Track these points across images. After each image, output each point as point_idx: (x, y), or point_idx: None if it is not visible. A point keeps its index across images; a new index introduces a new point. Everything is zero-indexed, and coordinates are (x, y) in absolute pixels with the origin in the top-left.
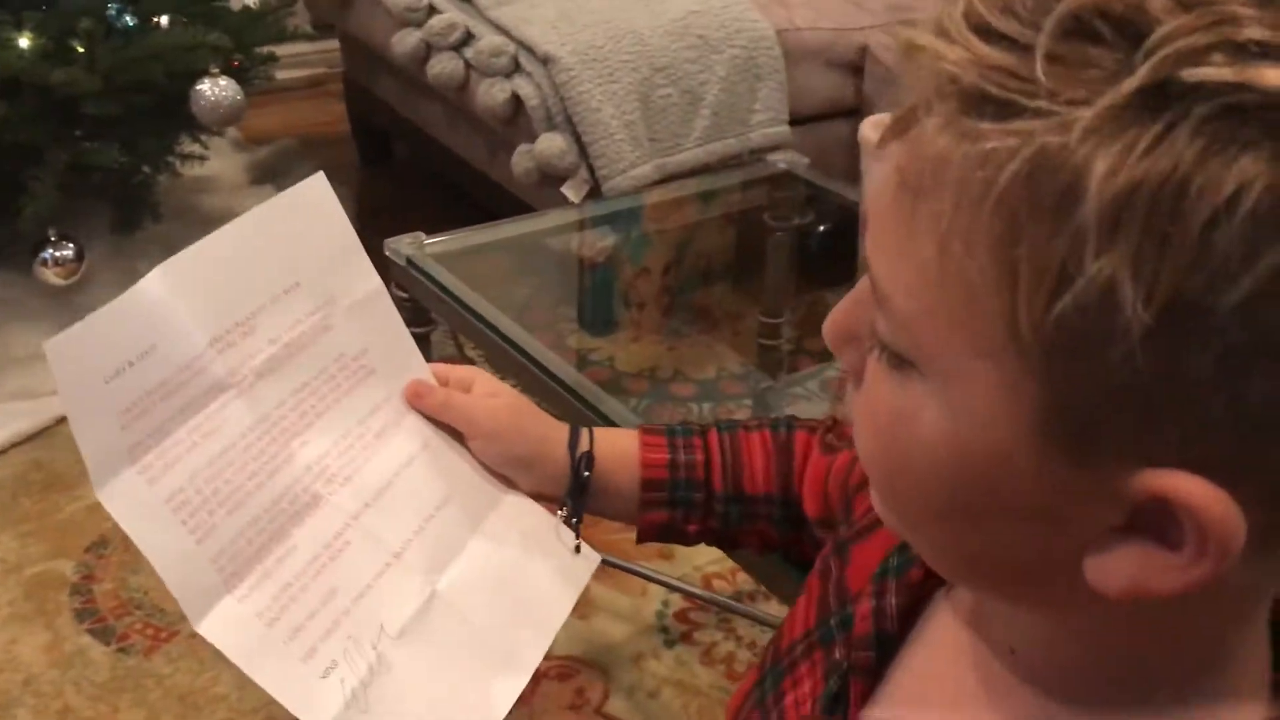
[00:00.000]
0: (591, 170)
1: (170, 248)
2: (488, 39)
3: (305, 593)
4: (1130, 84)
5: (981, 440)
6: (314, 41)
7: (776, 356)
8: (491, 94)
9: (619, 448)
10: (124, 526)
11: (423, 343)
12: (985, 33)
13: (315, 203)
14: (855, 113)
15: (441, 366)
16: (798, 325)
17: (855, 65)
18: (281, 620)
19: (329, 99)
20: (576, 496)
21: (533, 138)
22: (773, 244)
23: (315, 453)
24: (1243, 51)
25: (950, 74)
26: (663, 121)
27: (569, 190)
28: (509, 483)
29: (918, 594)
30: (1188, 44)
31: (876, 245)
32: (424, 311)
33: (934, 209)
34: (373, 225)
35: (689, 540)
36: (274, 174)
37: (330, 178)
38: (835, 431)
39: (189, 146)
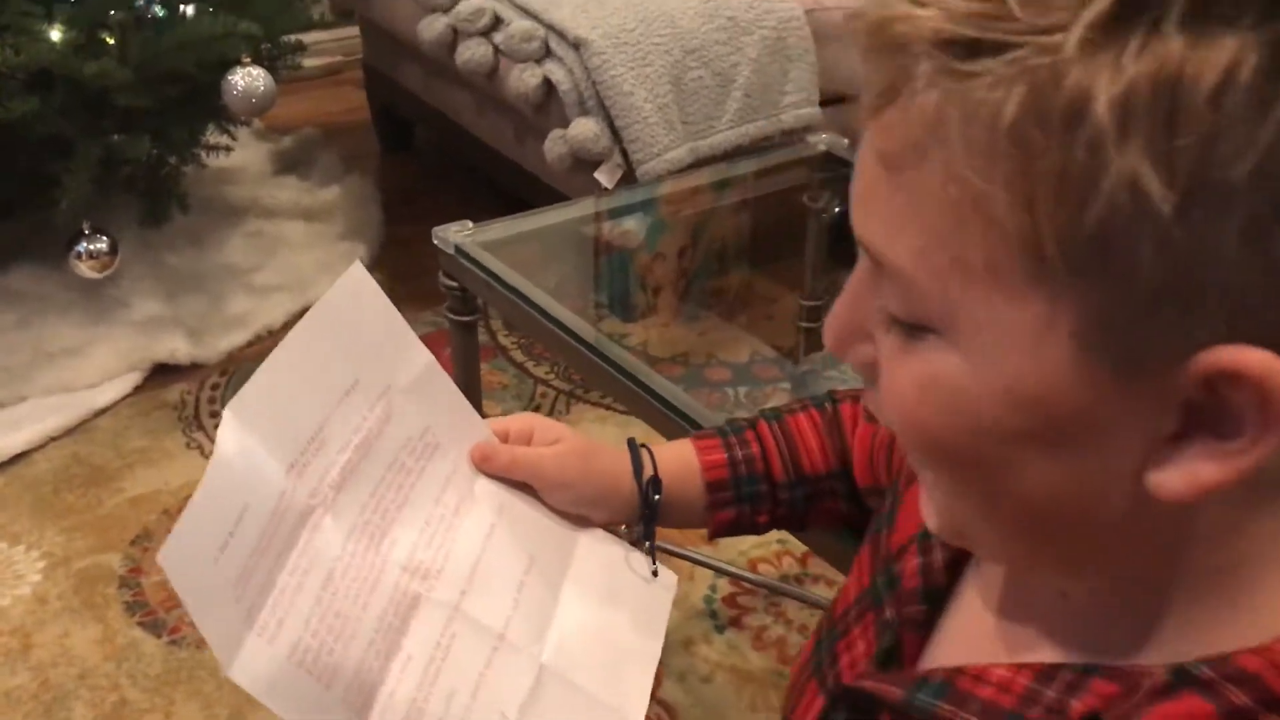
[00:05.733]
0: (625, 155)
1: (197, 240)
2: (518, 23)
3: (429, 703)
4: None
5: (1023, 378)
6: (330, 30)
7: (818, 339)
8: (523, 79)
9: (678, 460)
10: (259, 698)
11: (469, 332)
12: None
13: (357, 294)
14: None
15: (499, 422)
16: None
17: None
18: None
19: (347, 87)
20: (649, 522)
21: (565, 123)
22: (813, 226)
23: (405, 550)
24: None
25: (932, 30)
26: (695, 104)
27: (602, 175)
28: (581, 520)
29: (960, 550)
30: None
31: (873, 225)
32: (471, 300)
33: (937, 165)
34: (397, 213)
35: (760, 530)
36: (297, 163)
37: (353, 166)
38: None
39: (216, 137)
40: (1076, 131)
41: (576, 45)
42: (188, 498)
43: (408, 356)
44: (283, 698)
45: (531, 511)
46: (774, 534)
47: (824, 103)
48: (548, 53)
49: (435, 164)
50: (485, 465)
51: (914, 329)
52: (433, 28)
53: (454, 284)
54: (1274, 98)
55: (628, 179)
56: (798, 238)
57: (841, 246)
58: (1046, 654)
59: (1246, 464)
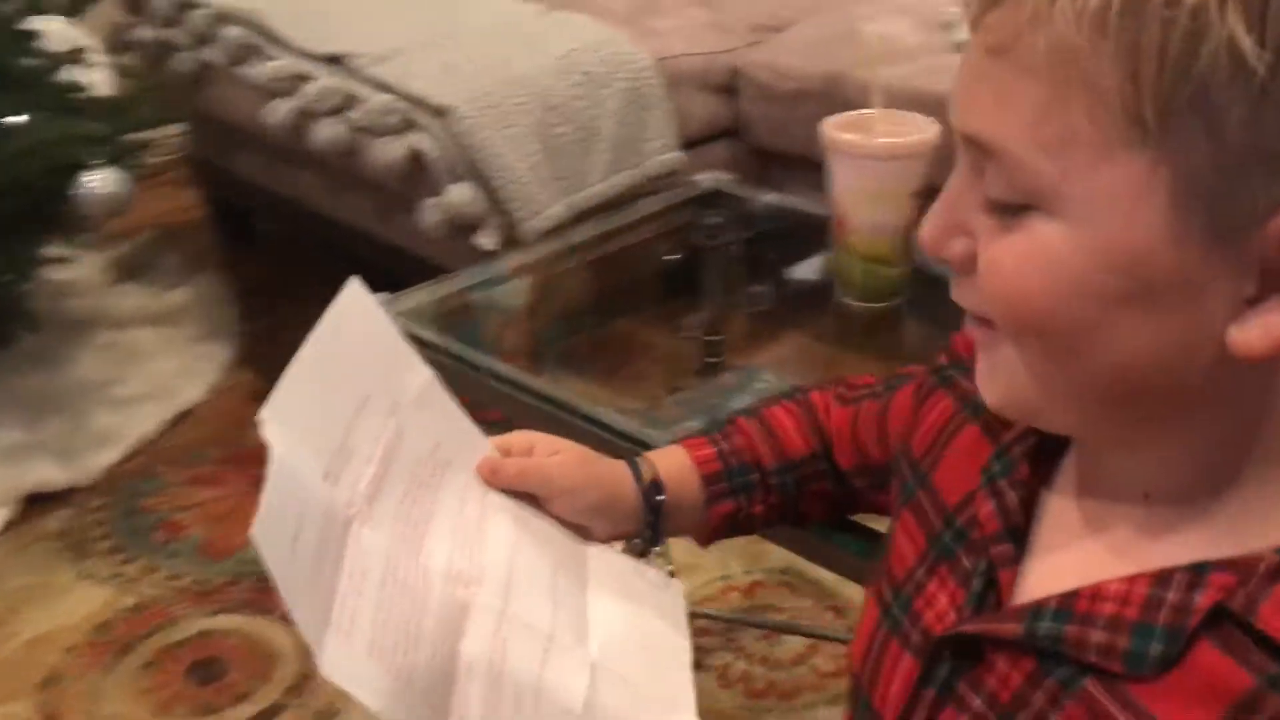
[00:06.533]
0: (503, 217)
1: (48, 359)
2: (375, 99)
3: (502, 705)
4: None
5: (1122, 240)
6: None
7: (722, 371)
8: (388, 152)
9: (673, 463)
10: (348, 689)
11: None
12: None
13: (357, 310)
14: (734, 133)
15: (500, 439)
16: (735, 339)
17: (729, 87)
18: None
19: (172, 187)
20: (655, 526)
21: (436, 191)
22: (709, 262)
23: (442, 560)
24: None
25: None
26: (564, 160)
27: (484, 238)
28: (583, 532)
29: (1029, 489)
30: None
31: (980, 112)
32: None
33: (1047, 45)
34: (253, 307)
35: (757, 525)
36: (137, 269)
37: (197, 265)
38: (845, 384)
39: (57, 249)
40: (1184, 3)
41: (440, 113)
42: (94, 629)
43: (410, 372)
44: (370, 691)
45: (542, 523)
46: (716, 571)
47: (683, 146)
48: (410, 124)
49: (284, 252)
50: (495, 478)
51: (1016, 209)
52: (279, 113)
53: None
54: None
55: (509, 241)
56: (694, 276)
57: (735, 279)
58: (1150, 562)
59: None
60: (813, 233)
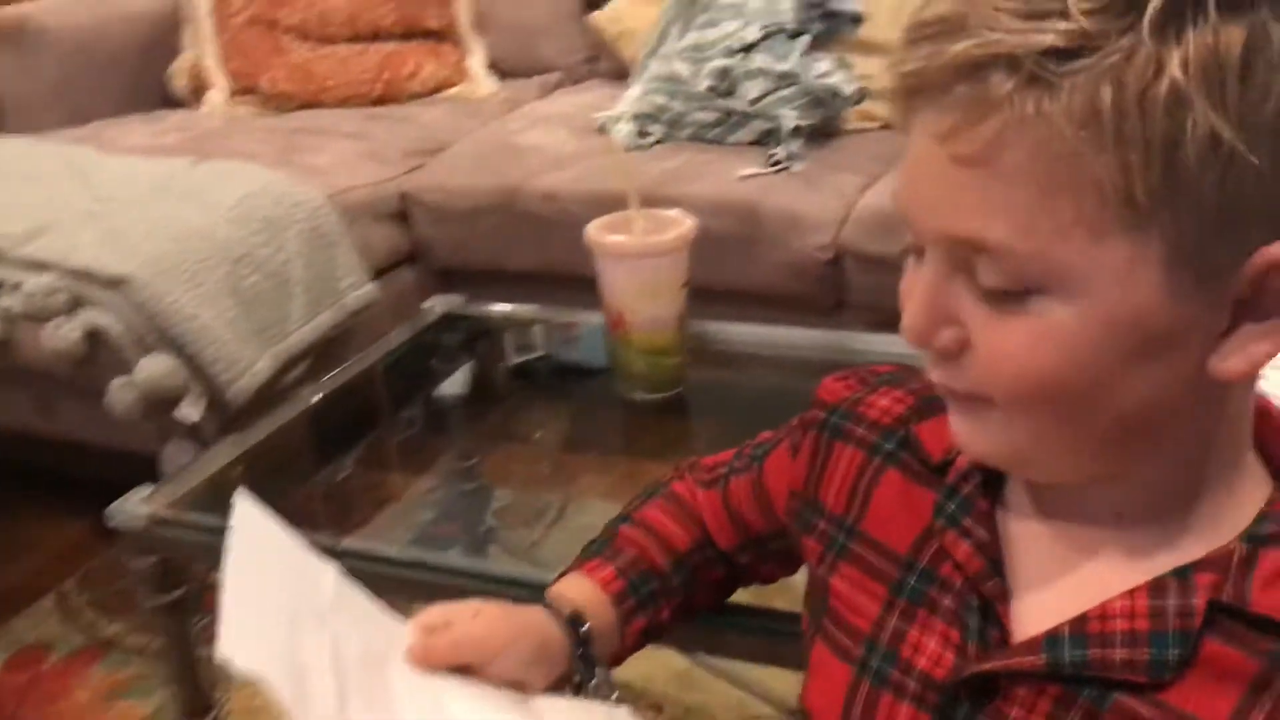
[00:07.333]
0: (205, 382)
1: None
2: (33, 281)
3: None
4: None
5: (1123, 306)
6: None
7: (484, 496)
8: (60, 336)
9: (580, 592)
10: None
11: (183, 609)
12: (1021, 14)
13: (253, 526)
14: (413, 259)
15: (418, 621)
16: (510, 452)
17: (401, 213)
18: None
19: None
20: (588, 658)
21: (124, 369)
22: (452, 385)
23: None
24: None
25: (1021, 46)
26: (261, 311)
27: (188, 409)
28: (521, 687)
29: (990, 521)
30: None
31: (959, 217)
32: (177, 573)
33: (1040, 151)
34: None
35: (665, 630)
36: None
37: None
38: (700, 467)
39: None
40: (1159, 96)
41: (116, 284)
42: None
43: (320, 576)
44: None
45: (486, 688)
46: None
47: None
48: (80, 302)
49: None
50: (429, 659)
51: (1016, 295)
52: None
53: (152, 560)
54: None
55: (215, 407)
56: (437, 404)
57: (482, 393)
58: (1136, 576)
59: None
60: (550, 337)
